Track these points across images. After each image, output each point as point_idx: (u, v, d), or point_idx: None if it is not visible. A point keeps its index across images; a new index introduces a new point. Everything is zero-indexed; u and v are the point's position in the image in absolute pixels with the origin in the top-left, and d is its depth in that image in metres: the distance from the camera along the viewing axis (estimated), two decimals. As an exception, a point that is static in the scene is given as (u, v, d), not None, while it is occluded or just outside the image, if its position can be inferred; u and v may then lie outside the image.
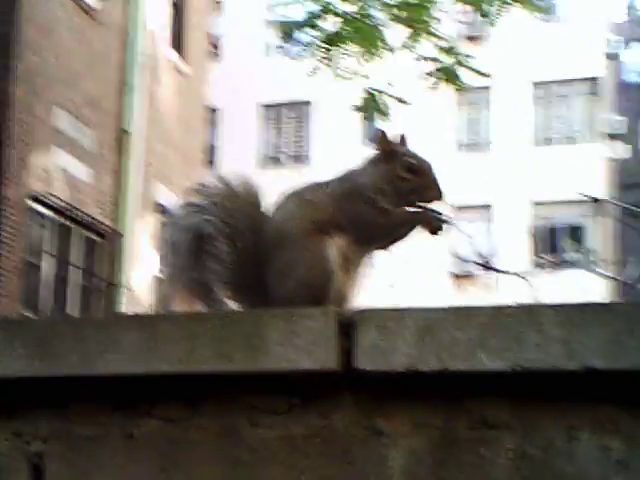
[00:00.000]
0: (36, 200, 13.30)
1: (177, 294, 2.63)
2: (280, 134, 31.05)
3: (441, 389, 2.11)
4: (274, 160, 30.83)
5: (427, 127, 27.29)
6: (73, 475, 2.21)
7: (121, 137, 15.25)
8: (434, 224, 2.64)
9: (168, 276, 2.65)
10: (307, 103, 30.07)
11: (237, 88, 29.66)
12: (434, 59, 14.22)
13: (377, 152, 2.70)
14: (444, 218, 2.65)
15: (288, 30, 13.90)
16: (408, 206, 2.67)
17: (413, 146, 2.74)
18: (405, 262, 20.76)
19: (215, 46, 28.00)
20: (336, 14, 13.70)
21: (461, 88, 15.55)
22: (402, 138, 2.76)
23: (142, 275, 15.15)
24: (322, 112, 29.36)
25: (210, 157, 28.94)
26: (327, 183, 2.71)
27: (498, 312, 2.05)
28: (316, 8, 13.72)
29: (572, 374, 1.99)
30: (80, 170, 14.36)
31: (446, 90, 15.21)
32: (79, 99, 14.39)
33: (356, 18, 13.75)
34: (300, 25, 13.78)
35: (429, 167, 2.69)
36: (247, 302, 2.62)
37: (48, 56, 13.66)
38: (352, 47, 14.10)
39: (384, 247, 2.72)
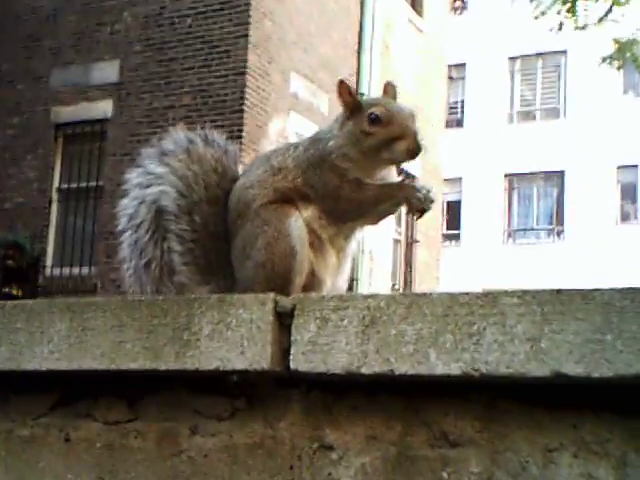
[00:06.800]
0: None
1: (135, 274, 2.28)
2: (532, 87, 28.83)
3: (395, 395, 1.71)
4: (525, 115, 28.49)
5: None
6: (12, 481, 1.99)
7: (358, 99, 15.02)
8: (414, 204, 2.09)
9: (127, 254, 2.31)
10: (563, 52, 27.58)
11: (483, 40, 28.22)
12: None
13: (343, 108, 2.18)
14: (428, 195, 2.09)
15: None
16: (387, 165, 2.16)
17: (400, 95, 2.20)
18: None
19: (460, -1, 27.13)
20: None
21: None
22: (388, 86, 2.25)
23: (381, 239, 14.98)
24: (579, 62, 26.96)
25: (457, 114, 28.10)
26: (296, 145, 2.24)
27: (453, 301, 1.61)
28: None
29: (542, 381, 1.54)
30: (318, 134, 14.29)
31: None
32: (315, 63, 14.30)
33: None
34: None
35: (400, 114, 2.12)
36: (214, 285, 2.23)
37: (283, 21, 13.64)
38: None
39: (371, 222, 2.22)
